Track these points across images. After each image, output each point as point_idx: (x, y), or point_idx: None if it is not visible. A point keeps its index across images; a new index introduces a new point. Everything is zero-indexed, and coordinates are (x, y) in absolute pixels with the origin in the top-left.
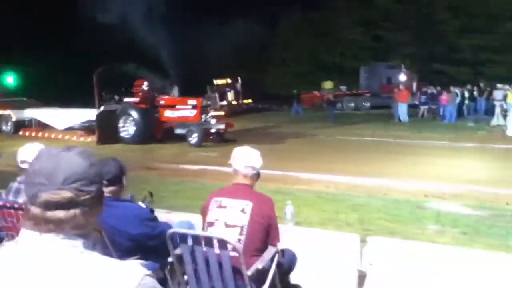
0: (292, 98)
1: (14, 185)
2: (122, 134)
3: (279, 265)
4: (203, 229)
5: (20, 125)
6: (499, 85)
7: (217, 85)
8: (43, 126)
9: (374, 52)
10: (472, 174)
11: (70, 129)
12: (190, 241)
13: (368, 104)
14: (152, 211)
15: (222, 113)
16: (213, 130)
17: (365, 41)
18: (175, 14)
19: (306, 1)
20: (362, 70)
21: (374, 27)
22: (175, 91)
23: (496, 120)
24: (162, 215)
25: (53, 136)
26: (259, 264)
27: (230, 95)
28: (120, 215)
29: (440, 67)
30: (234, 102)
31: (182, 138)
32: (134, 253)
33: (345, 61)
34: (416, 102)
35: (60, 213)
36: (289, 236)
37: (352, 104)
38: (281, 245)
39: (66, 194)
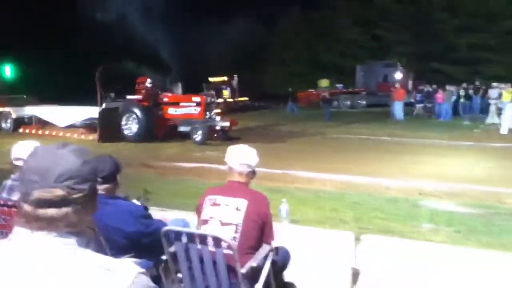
0: (287, 96)
1: (8, 182)
2: (125, 132)
3: (273, 263)
4: (197, 227)
5: (20, 122)
6: (494, 84)
7: (213, 82)
8: (43, 124)
9: (373, 52)
10: (467, 172)
11: (71, 127)
12: (184, 239)
13: (364, 102)
14: (146, 208)
15: (218, 110)
16: (217, 128)
17: (364, 40)
18: (174, 14)
19: (305, 1)
20: (358, 68)
21: (373, 26)
22: (179, 88)
23: (491, 118)
24: (156, 213)
25: (54, 133)
26: (253, 262)
27: (226, 93)
28: (114, 212)
29: (437, 66)
30: (230, 100)
31: (186, 136)
32: (128, 250)
33: (343, 61)
34: (412, 100)
35: (52, 211)
36: (283, 234)
37: (348, 102)
38: (275, 243)
39: (58, 192)
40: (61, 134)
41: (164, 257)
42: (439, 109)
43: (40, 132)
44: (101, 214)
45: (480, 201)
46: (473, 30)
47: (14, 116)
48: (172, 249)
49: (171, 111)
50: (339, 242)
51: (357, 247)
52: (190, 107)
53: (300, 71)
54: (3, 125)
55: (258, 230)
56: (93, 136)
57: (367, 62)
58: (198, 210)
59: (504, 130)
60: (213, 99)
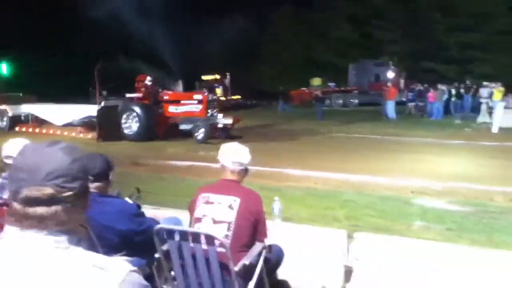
0: (279, 95)
1: None
2: (125, 131)
3: (266, 260)
4: (190, 225)
5: (16, 120)
6: (485, 83)
7: (206, 81)
8: (40, 122)
9: (365, 50)
10: (458, 171)
11: (68, 125)
12: (177, 237)
13: (356, 101)
14: (139, 206)
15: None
16: (220, 125)
17: (356, 39)
18: (170, 13)
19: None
20: (350, 67)
21: (365, 25)
22: (180, 86)
23: (482, 117)
24: (149, 211)
25: (51, 132)
26: (246, 260)
27: (219, 91)
28: (106, 210)
29: (428, 65)
30: (222, 98)
31: (187, 134)
32: (120, 249)
33: (336, 59)
34: (404, 99)
35: (41, 210)
36: (276, 232)
37: (341, 101)
38: (268, 241)
39: (47, 190)
40: (58, 132)
41: (157, 255)
42: (431, 108)
43: (37, 130)
44: (93, 212)
45: (472, 199)
46: (465, 30)
47: (10, 114)
48: (164, 247)
49: (172, 109)
50: (331, 240)
51: (350, 245)
52: (191, 105)
53: (292, 69)
54: None
55: (251, 228)
56: (91, 135)
57: (359, 61)
58: (191, 208)
59: (495, 129)
60: (214, 97)
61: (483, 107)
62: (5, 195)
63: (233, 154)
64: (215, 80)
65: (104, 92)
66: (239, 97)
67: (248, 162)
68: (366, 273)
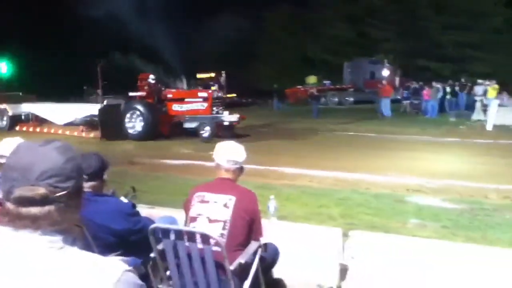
0: (273, 93)
1: None
2: (129, 131)
3: (261, 259)
4: (185, 224)
5: (16, 120)
6: (479, 81)
7: (201, 79)
8: (40, 121)
9: (360, 48)
10: (453, 168)
11: (69, 125)
12: (172, 236)
13: (351, 99)
14: (134, 205)
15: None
16: (226, 123)
17: (351, 37)
18: (167, 12)
19: None
20: (345, 65)
21: (360, 23)
22: (184, 83)
23: (477, 115)
24: (144, 210)
25: (52, 131)
26: (241, 259)
27: (214, 89)
28: (101, 210)
29: (423, 63)
30: None
31: (191, 133)
32: (116, 248)
33: (331, 57)
34: (399, 97)
35: (34, 210)
36: (272, 231)
37: (336, 99)
38: (264, 240)
39: (40, 190)
40: (60, 131)
41: (152, 255)
42: (426, 106)
43: (37, 129)
44: (88, 212)
45: (466, 196)
46: (459, 28)
47: (10, 113)
48: (160, 246)
49: (176, 107)
50: (327, 238)
51: (345, 243)
52: (196, 103)
53: (289, 68)
54: None
55: (247, 226)
56: (94, 134)
57: (354, 59)
58: (186, 207)
59: (489, 127)
60: (219, 94)
61: (478, 104)
62: None
63: (228, 153)
64: (210, 78)
65: (99, 91)
66: (234, 95)
67: (243, 160)
68: (361, 271)
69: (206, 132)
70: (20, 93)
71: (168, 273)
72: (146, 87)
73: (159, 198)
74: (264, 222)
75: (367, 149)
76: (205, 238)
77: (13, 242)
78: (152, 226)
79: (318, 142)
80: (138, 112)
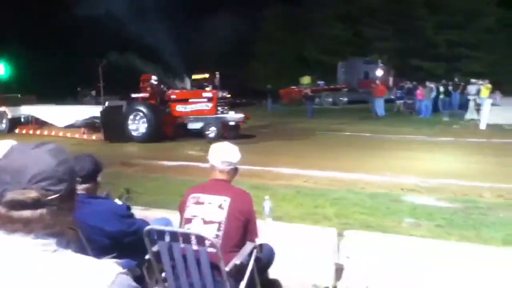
0: (267, 93)
1: None
2: (132, 133)
3: (257, 260)
4: (180, 225)
5: (16, 122)
6: (473, 80)
7: (196, 79)
8: (40, 124)
9: (354, 48)
10: (447, 167)
11: (70, 127)
12: (167, 238)
13: (345, 99)
14: (128, 207)
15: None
16: (232, 123)
17: (345, 36)
18: (163, 12)
19: None
20: (339, 65)
21: (355, 23)
22: (187, 83)
23: (470, 114)
24: (139, 212)
25: (53, 133)
26: (237, 260)
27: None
28: (95, 212)
29: (417, 62)
30: None
31: (196, 134)
32: (110, 250)
33: (325, 57)
34: (393, 97)
35: (26, 213)
36: (267, 231)
37: (330, 99)
38: (259, 240)
39: (32, 194)
40: (60, 134)
41: (147, 257)
42: (419, 106)
43: (38, 132)
44: (82, 214)
45: (460, 195)
46: (453, 27)
47: (9, 116)
48: (155, 248)
49: (180, 108)
50: (322, 238)
51: (340, 242)
52: (201, 103)
53: (284, 68)
54: None
55: (242, 227)
56: (96, 136)
57: (348, 59)
58: (181, 209)
59: (482, 126)
60: (224, 94)
61: (471, 104)
62: None
63: (222, 154)
64: (205, 79)
65: (93, 92)
66: (229, 96)
67: (238, 161)
68: (356, 270)
69: (212, 132)
70: (19, 95)
71: (163, 275)
72: (148, 88)
73: (156, 199)
74: (259, 223)
75: (361, 149)
76: (200, 240)
77: (6, 245)
78: (147, 228)
79: (313, 142)
80: (141, 114)
